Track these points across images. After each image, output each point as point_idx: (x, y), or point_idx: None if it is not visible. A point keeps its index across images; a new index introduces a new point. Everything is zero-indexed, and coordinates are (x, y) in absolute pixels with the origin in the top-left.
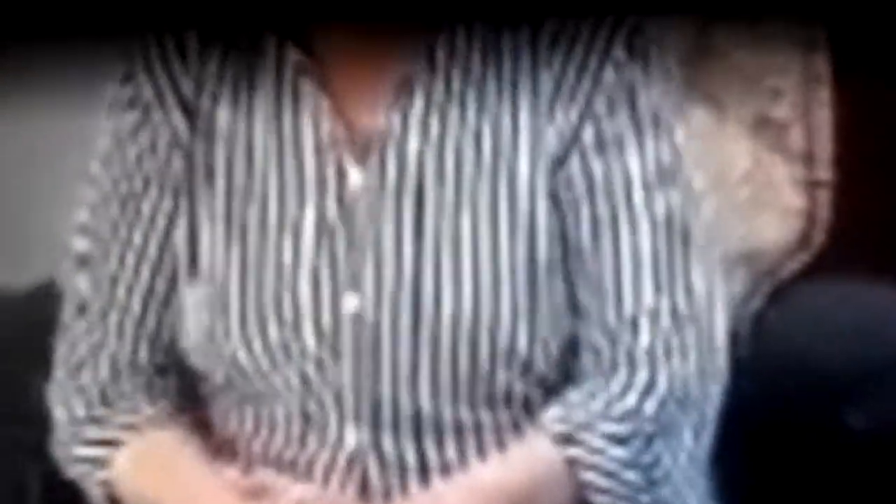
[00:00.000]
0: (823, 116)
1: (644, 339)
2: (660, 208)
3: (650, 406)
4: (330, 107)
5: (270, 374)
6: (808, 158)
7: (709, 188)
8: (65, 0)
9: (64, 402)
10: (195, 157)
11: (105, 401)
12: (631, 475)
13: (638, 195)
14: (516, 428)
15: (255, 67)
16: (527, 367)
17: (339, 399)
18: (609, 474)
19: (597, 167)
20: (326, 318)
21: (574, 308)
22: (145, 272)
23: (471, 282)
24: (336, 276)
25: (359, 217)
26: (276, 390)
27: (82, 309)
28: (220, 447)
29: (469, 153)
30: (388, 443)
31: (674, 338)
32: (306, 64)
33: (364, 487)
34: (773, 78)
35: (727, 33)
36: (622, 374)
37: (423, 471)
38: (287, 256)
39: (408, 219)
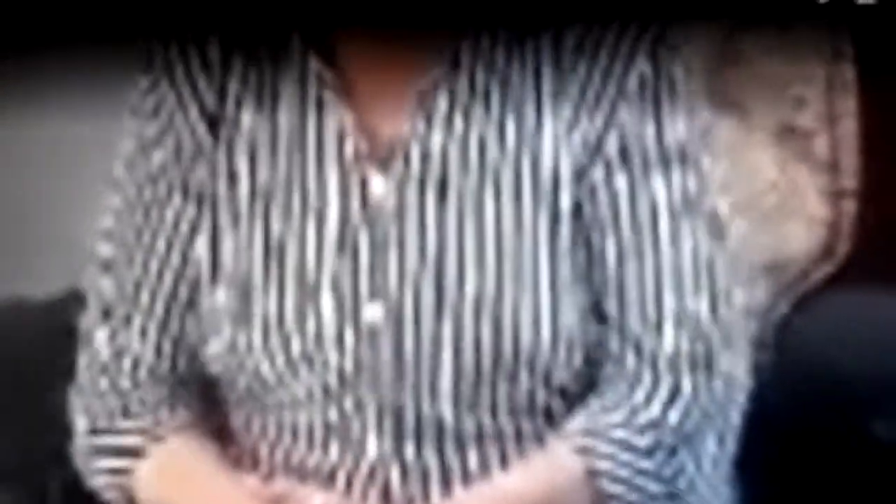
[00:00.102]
0: (849, 126)
1: (668, 348)
2: (686, 237)
3: (674, 415)
4: (353, 120)
5: (292, 385)
6: (834, 168)
7: (733, 197)
8: (88, 5)
9: (85, 410)
10: (218, 166)
11: (126, 409)
12: (655, 486)
13: (664, 225)
14: (538, 436)
15: (277, 75)
16: (549, 374)
17: (360, 408)
18: (633, 485)
19: (621, 183)
20: (348, 329)
21: (598, 316)
22: (168, 279)
23: (494, 269)
24: (358, 285)
25: (382, 218)
26: (298, 399)
27: (106, 314)
28: (241, 455)
29: (493, 145)
30: (410, 451)
31: (698, 347)
32: (329, 74)
33: (386, 495)
34: (798, 87)
35: (753, 41)
36: (646, 382)
37: (445, 479)
38: (310, 266)
39: (430, 211)
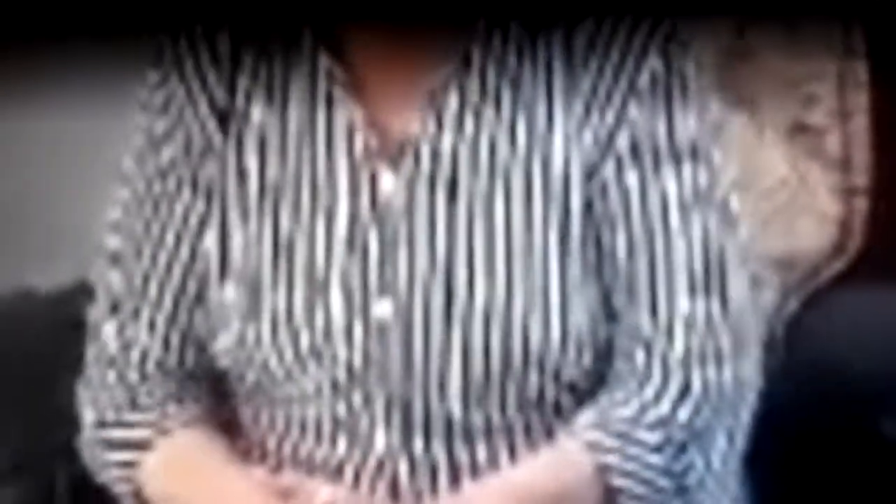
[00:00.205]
0: (861, 122)
1: (678, 345)
2: (696, 230)
3: (684, 413)
4: (363, 116)
5: (301, 379)
6: (845, 165)
7: (745, 194)
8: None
9: (93, 403)
10: (227, 161)
11: (134, 402)
12: (664, 482)
13: (675, 218)
14: (548, 430)
15: (288, 71)
16: (559, 372)
17: (369, 402)
18: (643, 481)
19: (632, 179)
20: (357, 324)
21: (609, 314)
22: (177, 272)
23: (504, 269)
24: (367, 281)
25: (391, 215)
26: (307, 394)
27: (115, 307)
28: (249, 449)
29: (503, 145)
30: (418, 445)
31: (708, 344)
32: (339, 70)
33: (394, 489)
34: (809, 83)
35: (764, 37)
36: (656, 379)
37: (454, 473)
38: (319, 261)
39: (440, 210)
